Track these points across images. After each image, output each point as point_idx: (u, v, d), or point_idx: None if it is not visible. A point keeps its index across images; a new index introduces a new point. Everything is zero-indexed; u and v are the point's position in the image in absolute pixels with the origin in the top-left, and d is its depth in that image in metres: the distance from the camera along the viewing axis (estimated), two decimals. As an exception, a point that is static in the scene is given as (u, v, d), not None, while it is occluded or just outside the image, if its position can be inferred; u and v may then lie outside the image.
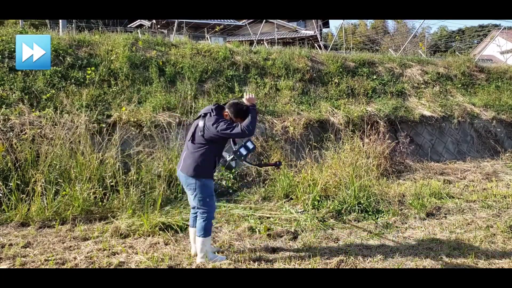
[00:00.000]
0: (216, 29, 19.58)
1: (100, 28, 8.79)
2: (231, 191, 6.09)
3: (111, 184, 5.08)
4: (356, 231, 4.44)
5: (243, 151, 3.54)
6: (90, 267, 3.41)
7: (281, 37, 21.03)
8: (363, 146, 6.62)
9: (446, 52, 20.71)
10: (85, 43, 7.76)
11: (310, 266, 3.49)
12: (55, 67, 6.83)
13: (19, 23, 10.27)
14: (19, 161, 5.03)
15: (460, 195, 6.08)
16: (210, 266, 3.43)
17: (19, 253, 3.65)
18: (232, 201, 5.64)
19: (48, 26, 10.99)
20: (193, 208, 3.61)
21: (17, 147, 5.13)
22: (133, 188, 4.99)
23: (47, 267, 3.39)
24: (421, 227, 4.61)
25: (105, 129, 5.94)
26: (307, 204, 5.13)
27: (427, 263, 3.60)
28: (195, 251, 3.60)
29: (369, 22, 48.36)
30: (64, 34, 8.17)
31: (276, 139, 7.36)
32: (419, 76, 11.05)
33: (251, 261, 3.58)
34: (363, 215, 4.93)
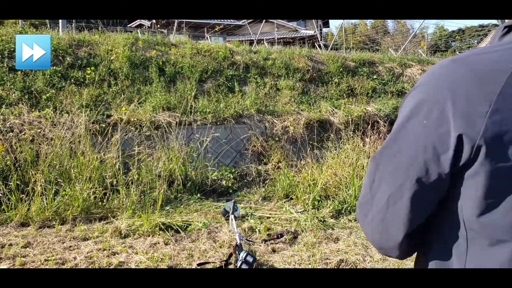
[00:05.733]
0: (216, 29, 19.58)
1: (100, 28, 8.79)
2: (231, 191, 6.08)
3: (111, 184, 5.08)
4: (356, 231, 4.44)
5: (245, 266, 3.19)
6: (90, 267, 3.41)
7: (281, 37, 21.03)
8: (364, 146, 6.61)
9: (446, 52, 20.70)
10: (85, 43, 7.76)
11: (310, 266, 3.49)
12: (55, 67, 6.83)
13: (19, 23, 10.26)
14: (18, 161, 5.03)
15: (460, 195, 6.09)
16: (209, 266, 3.44)
17: (19, 253, 3.65)
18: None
19: (48, 26, 11.01)
20: None
21: (16, 147, 5.13)
22: (133, 188, 4.99)
23: (47, 267, 3.39)
24: (421, 227, 4.60)
25: (105, 129, 5.94)
26: (307, 204, 5.12)
27: (427, 263, 3.59)
28: None
29: (369, 22, 48.38)
30: (64, 34, 8.17)
31: (276, 139, 7.36)
32: (419, 76, 11.05)
33: (251, 261, 3.57)
34: (363, 215, 4.93)
